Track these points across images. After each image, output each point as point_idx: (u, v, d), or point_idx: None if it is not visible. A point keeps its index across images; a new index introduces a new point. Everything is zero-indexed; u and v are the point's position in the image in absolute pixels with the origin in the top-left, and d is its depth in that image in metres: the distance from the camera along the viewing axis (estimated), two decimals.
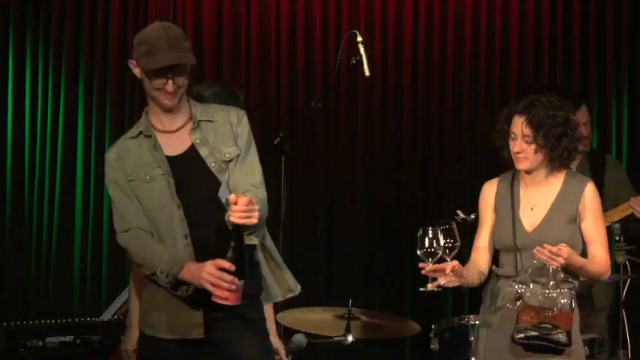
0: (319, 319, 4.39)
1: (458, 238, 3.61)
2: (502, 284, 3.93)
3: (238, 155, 3.41)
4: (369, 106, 6.31)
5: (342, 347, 4.28)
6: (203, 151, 3.38)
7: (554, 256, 3.70)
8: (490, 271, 4.02)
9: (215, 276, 3.15)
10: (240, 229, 3.18)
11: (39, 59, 6.29)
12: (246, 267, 3.21)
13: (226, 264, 3.15)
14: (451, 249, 3.61)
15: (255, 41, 6.29)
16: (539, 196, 3.97)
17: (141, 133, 3.41)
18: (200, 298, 3.29)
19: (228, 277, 3.14)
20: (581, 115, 5.29)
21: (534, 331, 3.75)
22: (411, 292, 6.13)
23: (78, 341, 4.70)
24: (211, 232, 3.31)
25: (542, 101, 3.90)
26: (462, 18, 6.30)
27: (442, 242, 3.57)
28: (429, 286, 3.60)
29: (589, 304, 5.11)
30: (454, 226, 3.62)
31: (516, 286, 3.83)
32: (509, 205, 3.97)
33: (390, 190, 6.27)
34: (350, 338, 4.30)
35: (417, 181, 6.29)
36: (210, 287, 3.16)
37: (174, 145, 3.40)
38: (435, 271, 3.60)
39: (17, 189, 6.24)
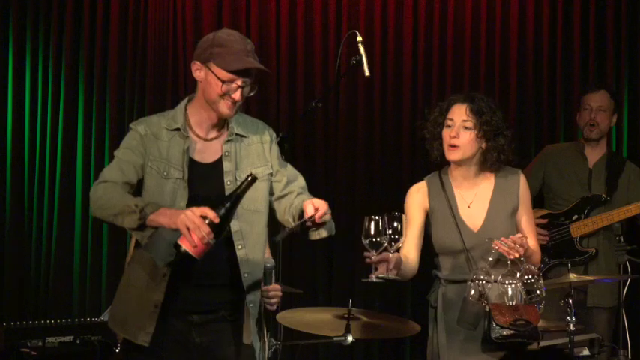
0: (319, 319, 4.38)
1: (403, 231, 3.57)
2: (455, 287, 3.92)
3: (270, 174, 3.44)
4: (368, 106, 6.31)
5: (342, 347, 4.27)
6: (226, 166, 3.38)
7: (517, 247, 3.69)
8: (435, 276, 4.02)
9: (196, 221, 3.07)
10: (241, 196, 3.16)
11: (39, 59, 6.29)
12: (224, 231, 3.17)
13: (211, 214, 3.09)
14: (395, 240, 3.56)
15: (255, 41, 6.26)
16: (472, 193, 3.97)
17: (178, 130, 3.38)
18: (162, 309, 3.31)
19: (207, 228, 3.07)
20: (594, 100, 5.35)
21: (511, 329, 3.75)
22: (411, 291, 6.13)
23: (77, 341, 4.71)
24: None
25: (482, 96, 3.98)
26: (462, 17, 6.30)
27: (388, 233, 3.53)
28: (372, 276, 3.56)
29: (582, 301, 5.14)
30: (403, 217, 3.59)
31: (473, 285, 3.81)
32: (446, 206, 3.96)
33: (390, 190, 6.27)
34: (350, 338, 4.29)
35: (416, 181, 6.27)
36: (184, 229, 3.07)
37: (206, 153, 3.39)
38: (379, 261, 3.57)
39: (17, 189, 6.24)
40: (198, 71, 3.35)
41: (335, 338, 4.24)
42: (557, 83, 6.26)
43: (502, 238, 3.72)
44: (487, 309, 3.76)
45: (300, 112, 6.17)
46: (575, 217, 5.31)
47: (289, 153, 4.11)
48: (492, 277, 3.77)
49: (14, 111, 6.26)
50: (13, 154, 6.24)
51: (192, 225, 3.06)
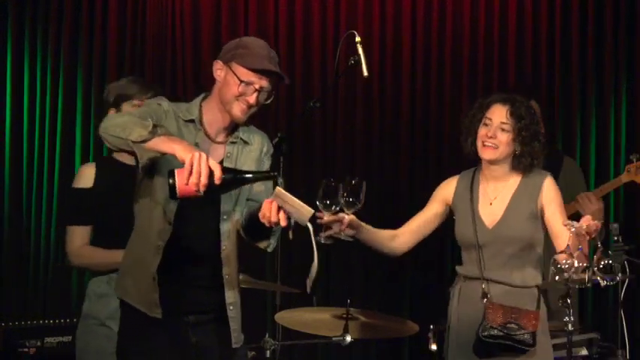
0: (317, 320, 4.38)
1: (361, 197, 3.55)
2: (468, 283, 3.95)
3: None
4: (367, 107, 6.31)
5: (340, 347, 4.27)
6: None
7: (592, 230, 3.53)
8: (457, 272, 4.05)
9: (203, 167, 3.03)
10: (252, 180, 3.20)
11: (37, 59, 6.29)
12: (214, 195, 3.19)
13: (218, 173, 3.07)
14: (352, 204, 3.57)
15: None
16: (497, 191, 3.98)
17: (192, 121, 3.42)
18: (163, 280, 3.34)
19: (206, 180, 3.04)
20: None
21: (500, 331, 3.76)
22: (409, 292, 6.13)
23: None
24: (189, 238, 3.38)
25: (524, 100, 3.97)
26: (460, 17, 6.31)
27: (344, 197, 3.53)
28: (321, 236, 3.57)
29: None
30: (363, 184, 3.57)
31: (483, 285, 3.85)
32: (468, 201, 3.98)
33: (389, 191, 6.27)
34: (348, 338, 4.28)
35: (415, 181, 6.29)
36: (188, 165, 3.04)
37: (211, 154, 3.38)
38: (332, 221, 3.57)
39: (15, 189, 6.24)
40: (219, 71, 3.40)
41: (333, 338, 4.24)
42: (556, 81, 6.26)
43: (583, 221, 3.53)
44: (484, 306, 3.78)
45: (298, 112, 6.17)
46: None
47: (287, 153, 4.12)
48: (496, 281, 3.81)
49: (12, 112, 6.25)
50: (12, 155, 6.24)
51: (198, 167, 3.04)
